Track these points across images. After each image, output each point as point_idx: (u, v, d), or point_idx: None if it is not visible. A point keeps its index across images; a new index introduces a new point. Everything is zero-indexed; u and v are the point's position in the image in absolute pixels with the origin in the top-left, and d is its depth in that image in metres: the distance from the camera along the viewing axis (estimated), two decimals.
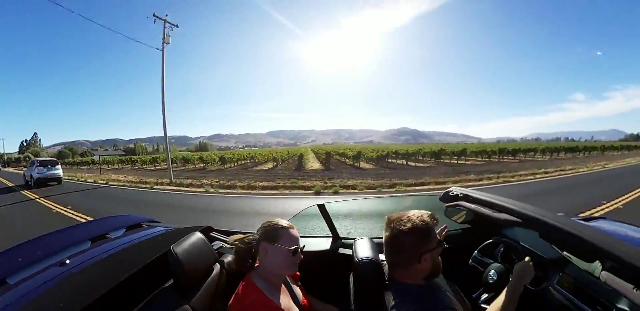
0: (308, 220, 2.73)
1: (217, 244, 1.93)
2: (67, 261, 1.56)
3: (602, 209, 7.29)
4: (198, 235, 1.69)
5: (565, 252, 1.73)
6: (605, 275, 1.22)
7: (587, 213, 6.84)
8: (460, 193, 1.92)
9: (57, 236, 2.05)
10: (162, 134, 17.74)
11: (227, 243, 1.85)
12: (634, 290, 1.12)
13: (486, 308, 1.45)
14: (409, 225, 1.26)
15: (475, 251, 2.09)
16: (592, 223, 2.13)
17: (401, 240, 1.27)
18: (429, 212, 1.33)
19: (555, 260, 1.78)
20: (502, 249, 2.01)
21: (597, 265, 1.40)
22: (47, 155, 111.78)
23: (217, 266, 1.68)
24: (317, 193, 11.11)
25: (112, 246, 1.78)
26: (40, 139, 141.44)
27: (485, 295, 1.74)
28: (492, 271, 1.75)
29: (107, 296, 1.16)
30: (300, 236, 1.98)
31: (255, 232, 1.49)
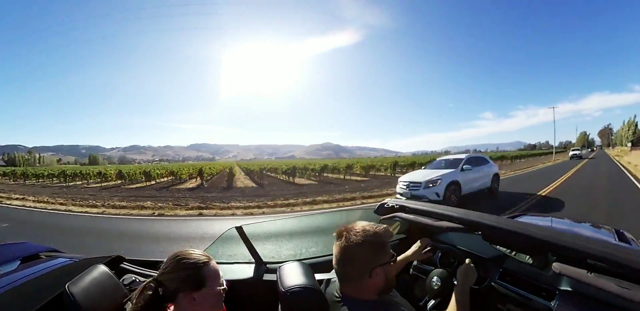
0: (227, 245, 2.49)
1: (128, 278, 1.64)
2: None
3: None
4: (101, 268, 1.45)
5: (502, 248, 1.84)
6: (557, 266, 1.32)
7: None
8: (396, 205, 1.96)
9: None
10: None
11: (142, 276, 1.70)
12: (588, 274, 1.23)
13: None
14: (361, 236, 1.21)
15: (415, 260, 2.12)
16: (519, 220, 2.28)
17: (353, 251, 1.22)
18: (384, 225, 1.29)
19: (494, 257, 1.87)
20: (440, 254, 2.07)
21: (537, 257, 1.50)
22: None
23: (129, 306, 1.37)
24: None
25: (2, 285, 1.43)
26: None
27: (432, 302, 1.75)
28: (435, 277, 1.76)
29: None
30: (220, 263, 1.83)
31: (164, 270, 1.23)
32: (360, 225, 1.26)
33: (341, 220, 2.40)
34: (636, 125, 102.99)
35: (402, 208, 1.94)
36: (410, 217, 1.90)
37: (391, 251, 1.28)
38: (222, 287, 1.24)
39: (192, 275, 1.18)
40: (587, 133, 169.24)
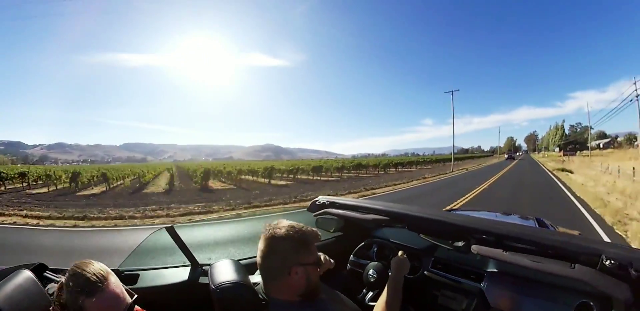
0: (157, 248, 2.43)
1: (52, 287, 1.49)
2: None
3: None
4: (26, 274, 1.36)
5: (431, 239, 1.95)
6: (476, 248, 1.41)
7: None
8: (327, 201, 2.05)
9: None
10: None
11: None
12: (503, 252, 1.34)
13: (374, 305, 1.52)
14: (285, 230, 1.23)
15: (351, 255, 2.22)
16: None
17: (275, 244, 1.22)
18: (314, 228, 1.32)
19: (425, 248, 2.03)
20: (375, 249, 2.18)
21: (461, 242, 1.60)
22: None
23: None
24: None
25: None
26: None
27: (370, 294, 1.84)
28: (371, 270, 1.86)
29: None
30: (151, 269, 1.95)
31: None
32: (289, 222, 1.29)
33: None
34: (563, 130, 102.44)
35: (333, 204, 2.03)
36: (341, 212, 1.97)
37: (318, 255, 1.31)
38: None
39: (74, 300, 1.07)
40: (515, 138, 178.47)
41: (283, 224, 1.26)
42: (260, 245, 1.26)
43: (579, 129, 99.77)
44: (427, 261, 1.96)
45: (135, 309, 1.21)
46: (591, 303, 1.37)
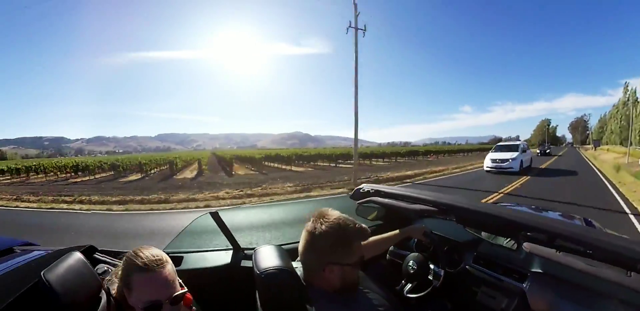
0: (201, 232, 2.44)
1: (101, 267, 1.61)
2: None
3: None
4: (77, 255, 1.41)
5: (475, 232, 2.01)
6: (528, 246, 1.40)
7: None
8: (372, 189, 2.00)
9: None
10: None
11: (114, 267, 1.60)
12: (557, 253, 1.35)
13: (412, 297, 1.58)
14: (327, 227, 1.19)
15: (391, 246, 2.23)
16: None
17: (314, 240, 1.21)
18: (363, 226, 1.26)
19: (468, 241, 2.02)
20: (415, 240, 2.16)
21: (511, 239, 1.59)
22: None
23: (104, 296, 1.36)
24: None
25: None
26: None
27: (409, 285, 1.83)
28: (411, 261, 1.84)
29: None
30: (194, 251, 2.08)
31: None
32: (337, 216, 1.24)
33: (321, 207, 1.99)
34: None
35: (377, 193, 1.98)
36: (385, 200, 1.94)
37: (362, 255, 1.28)
38: (147, 306, 1.10)
39: (125, 276, 1.15)
40: (554, 125, 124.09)
41: (329, 217, 1.22)
42: (303, 235, 1.26)
43: None
44: (469, 255, 1.92)
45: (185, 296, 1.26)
46: None
